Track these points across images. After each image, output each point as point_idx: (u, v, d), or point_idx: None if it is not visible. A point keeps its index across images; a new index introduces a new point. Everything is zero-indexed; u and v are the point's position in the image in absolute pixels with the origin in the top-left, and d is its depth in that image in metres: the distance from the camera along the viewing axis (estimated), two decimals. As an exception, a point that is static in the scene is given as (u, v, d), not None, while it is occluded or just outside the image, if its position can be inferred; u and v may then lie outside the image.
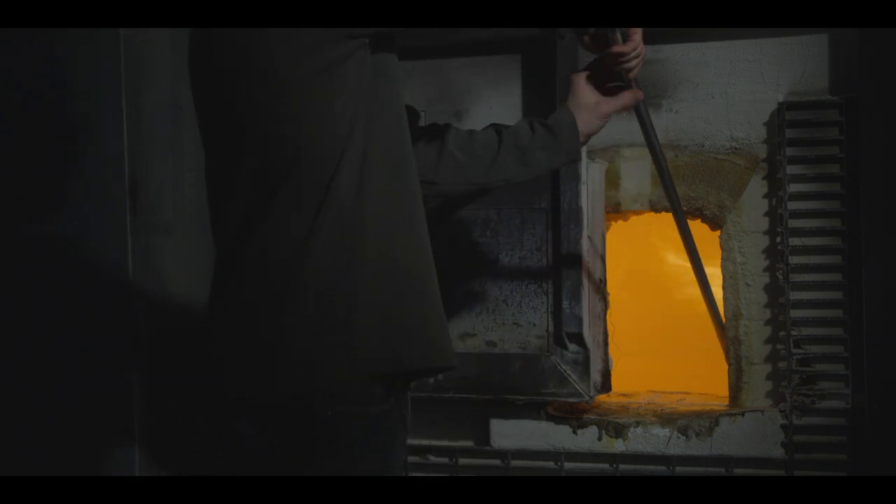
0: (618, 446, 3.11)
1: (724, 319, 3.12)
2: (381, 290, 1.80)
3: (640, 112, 2.40)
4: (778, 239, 3.02)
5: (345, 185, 1.78)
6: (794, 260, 2.99)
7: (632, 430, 3.10)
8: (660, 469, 3.08)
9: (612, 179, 3.20)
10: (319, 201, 1.77)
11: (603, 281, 3.16)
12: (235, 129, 1.83)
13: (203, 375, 1.89)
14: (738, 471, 3.02)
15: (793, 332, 2.99)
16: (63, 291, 3.09)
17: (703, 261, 2.87)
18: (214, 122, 1.89)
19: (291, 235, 1.78)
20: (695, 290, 3.00)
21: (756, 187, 3.08)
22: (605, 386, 3.16)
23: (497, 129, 2.20)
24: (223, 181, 1.88)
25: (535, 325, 3.05)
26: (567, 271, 3.01)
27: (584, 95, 2.21)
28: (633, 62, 2.19)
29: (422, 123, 2.30)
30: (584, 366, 3.02)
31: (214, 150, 1.92)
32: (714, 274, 3.11)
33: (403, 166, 1.87)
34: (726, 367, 3.15)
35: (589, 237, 3.02)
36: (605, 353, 3.18)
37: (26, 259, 3.13)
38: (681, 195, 3.13)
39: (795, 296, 2.99)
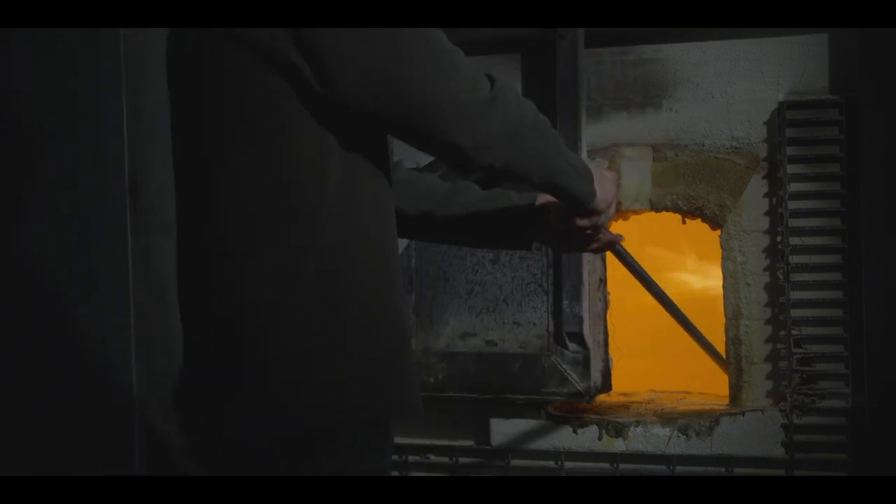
0: (618, 446, 3.11)
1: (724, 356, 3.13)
2: (363, 333, 1.78)
3: (619, 253, 2.38)
4: (778, 238, 3.02)
5: (325, 214, 1.75)
6: (795, 259, 2.99)
7: (632, 429, 3.11)
8: (660, 469, 3.08)
9: (612, 179, 3.20)
10: (300, 235, 1.74)
11: (603, 281, 3.16)
12: (207, 147, 1.81)
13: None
14: (739, 470, 3.02)
15: (793, 332, 2.99)
16: (63, 291, 3.09)
17: (704, 261, 2.88)
18: (186, 138, 1.87)
19: (272, 269, 1.75)
20: (695, 290, 3.01)
21: (756, 186, 3.08)
22: (605, 385, 3.16)
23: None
24: (195, 203, 1.85)
25: (535, 324, 3.05)
26: (567, 271, 3.01)
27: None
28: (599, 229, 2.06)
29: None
30: (584, 365, 3.02)
31: (186, 170, 1.89)
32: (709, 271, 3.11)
33: (384, 198, 1.84)
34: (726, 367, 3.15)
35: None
36: (605, 353, 3.18)
37: (26, 259, 3.14)
38: (681, 194, 3.13)
39: (796, 295, 2.99)
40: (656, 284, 2.67)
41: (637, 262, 2.53)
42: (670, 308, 2.78)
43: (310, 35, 1.67)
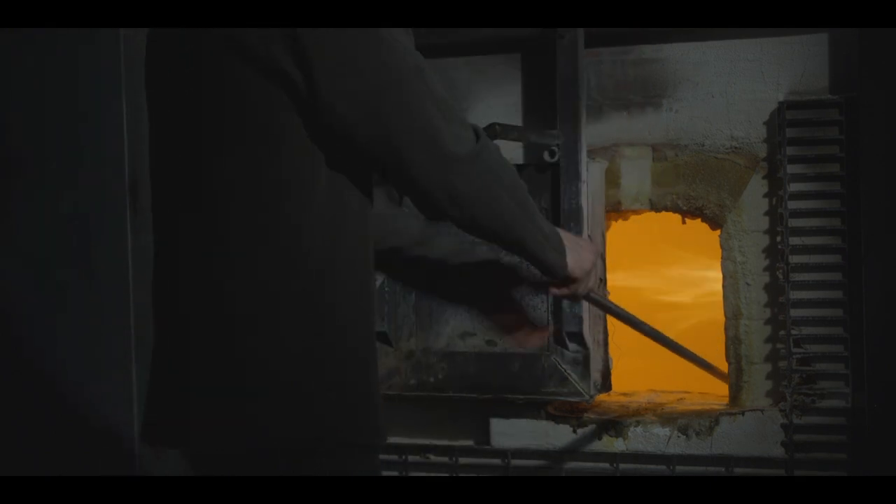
0: (618, 446, 3.11)
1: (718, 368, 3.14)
2: (361, 334, 1.79)
3: (594, 300, 2.38)
4: (778, 238, 3.02)
5: (316, 217, 1.75)
6: (795, 259, 2.99)
7: (632, 429, 3.10)
8: (660, 468, 3.08)
9: (612, 179, 3.20)
10: (296, 237, 1.74)
11: (603, 281, 3.16)
12: (200, 149, 1.80)
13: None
14: (738, 470, 3.02)
15: (793, 332, 2.99)
16: (63, 291, 3.09)
17: (703, 261, 2.88)
18: (174, 139, 1.86)
19: (270, 272, 1.75)
20: (694, 290, 3.01)
21: (756, 186, 3.08)
22: (605, 385, 3.16)
23: None
24: (183, 205, 1.84)
25: (535, 324, 3.05)
26: (567, 271, 3.00)
27: None
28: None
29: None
30: (584, 365, 3.02)
31: (171, 171, 1.88)
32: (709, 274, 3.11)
33: (368, 208, 1.84)
34: (726, 367, 3.15)
35: (589, 236, 3.02)
36: (606, 353, 3.18)
37: (26, 258, 3.14)
38: (681, 194, 3.14)
39: (795, 295, 2.99)
40: (645, 324, 2.69)
41: (621, 308, 2.55)
42: (664, 342, 2.80)
43: (305, 50, 1.67)
